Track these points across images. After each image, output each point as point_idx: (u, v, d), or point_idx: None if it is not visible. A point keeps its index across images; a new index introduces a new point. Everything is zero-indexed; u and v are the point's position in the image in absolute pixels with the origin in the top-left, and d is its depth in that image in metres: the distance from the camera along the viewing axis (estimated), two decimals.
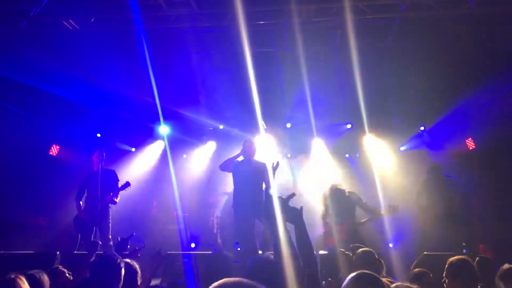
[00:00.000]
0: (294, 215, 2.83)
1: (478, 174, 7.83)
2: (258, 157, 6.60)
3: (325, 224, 6.83)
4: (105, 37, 6.97)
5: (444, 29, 6.87)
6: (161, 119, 8.44)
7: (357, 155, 9.40)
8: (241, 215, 6.19)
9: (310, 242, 2.85)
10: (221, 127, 9.46)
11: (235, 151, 6.62)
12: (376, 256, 3.81)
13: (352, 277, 2.19)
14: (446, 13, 6.39)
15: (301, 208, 2.89)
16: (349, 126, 9.06)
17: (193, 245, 7.77)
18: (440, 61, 7.31)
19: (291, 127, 9.30)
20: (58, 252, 5.76)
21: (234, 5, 5.67)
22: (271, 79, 7.90)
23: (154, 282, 3.81)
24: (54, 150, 8.61)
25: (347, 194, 6.78)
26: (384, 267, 4.00)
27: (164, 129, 8.85)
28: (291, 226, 2.82)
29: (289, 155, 9.10)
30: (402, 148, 9.20)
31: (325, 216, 6.87)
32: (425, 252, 5.51)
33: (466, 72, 7.38)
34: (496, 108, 7.28)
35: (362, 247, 4.02)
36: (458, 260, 3.34)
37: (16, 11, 5.75)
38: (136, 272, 3.29)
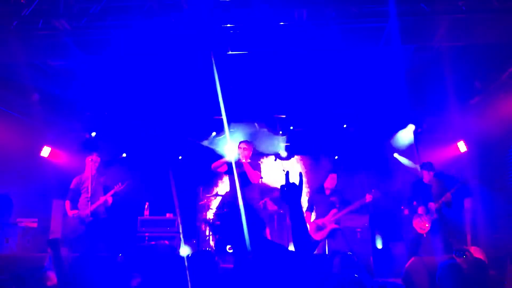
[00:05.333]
0: (292, 193, 2.52)
1: (469, 176, 7.84)
2: (253, 157, 6.61)
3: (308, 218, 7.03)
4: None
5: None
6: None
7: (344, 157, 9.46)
8: (235, 215, 6.19)
9: (306, 224, 2.60)
10: (213, 134, 9.48)
11: (229, 152, 6.58)
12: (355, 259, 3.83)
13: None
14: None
15: (301, 182, 2.58)
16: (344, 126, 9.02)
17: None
18: None
19: (285, 129, 9.32)
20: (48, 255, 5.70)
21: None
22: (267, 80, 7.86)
23: None
24: (46, 151, 8.49)
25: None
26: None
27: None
28: None
29: (284, 155, 9.12)
30: (396, 155, 9.21)
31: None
32: (418, 256, 5.53)
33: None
34: (488, 109, 7.27)
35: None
36: None
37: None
38: None
